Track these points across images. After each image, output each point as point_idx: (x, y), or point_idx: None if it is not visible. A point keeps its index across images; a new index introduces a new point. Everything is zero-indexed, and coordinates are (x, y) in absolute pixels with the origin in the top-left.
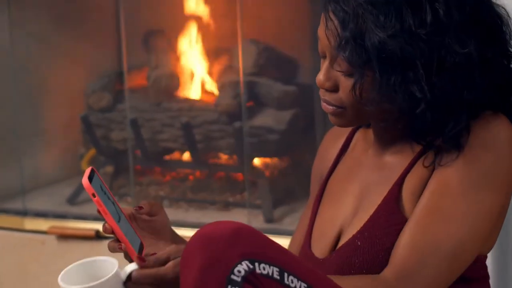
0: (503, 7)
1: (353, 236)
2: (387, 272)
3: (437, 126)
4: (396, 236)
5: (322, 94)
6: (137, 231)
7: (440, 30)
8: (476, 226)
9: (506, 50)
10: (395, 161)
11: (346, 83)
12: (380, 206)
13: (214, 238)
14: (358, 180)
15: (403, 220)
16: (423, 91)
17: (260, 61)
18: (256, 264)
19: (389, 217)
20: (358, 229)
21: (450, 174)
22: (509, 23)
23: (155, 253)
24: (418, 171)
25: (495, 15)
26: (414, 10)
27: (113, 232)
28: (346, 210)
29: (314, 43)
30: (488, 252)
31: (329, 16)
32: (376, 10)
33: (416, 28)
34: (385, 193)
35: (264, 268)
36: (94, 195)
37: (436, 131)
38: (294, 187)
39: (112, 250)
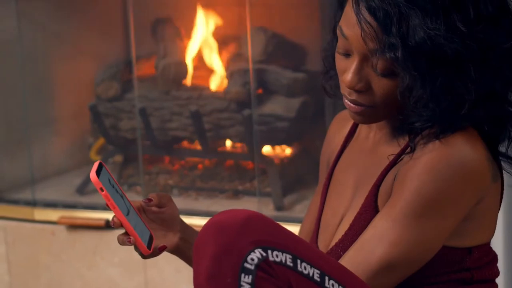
0: None
1: (336, 244)
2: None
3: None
4: None
5: (348, 93)
6: (147, 223)
7: (483, 26)
8: (408, 251)
9: None
10: (386, 154)
11: (381, 83)
12: (359, 214)
13: (226, 227)
14: (353, 170)
15: None
16: (470, 90)
17: (269, 49)
18: (269, 251)
19: (368, 223)
20: (342, 234)
21: (399, 194)
22: None
23: (164, 246)
24: (394, 170)
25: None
26: (457, 8)
27: (122, 226)
28: (345, 202)
29: (322, 30)
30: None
31: (363, 16)
32: (420, 9)
33: (461, 25)
34: (368, 191)
35: (277, 256)
36: (102, 189)
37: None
38: (304, 174)
39: (122, 243)
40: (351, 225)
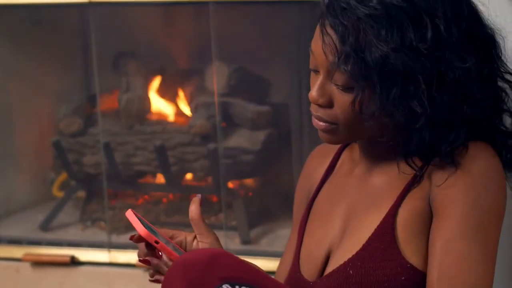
0: (494, 25)
1: (345, 263)
2: None
3: (434, 143)
4: (392, 271)
5: (315, 110)
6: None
7: (441, 46)
8: (493, 262)
9: (498, 67)
10: (382, 183)
11: (342, 98)
12: (374, 235)
13: (194, 264)
14: (344, 201)
15: (399, 257)
16: (424, 106)
17: (233, 82)
18: (237, 286)
19: (385, 251)
20: (350, 256)
21: (453, 210)
22: (500, 39)
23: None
24: (411, 203)
25: (488, 33)
26: (415, 25)
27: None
28: (333, 231)
29: (287, 62)
30: None
31: (326, 30)
32: (377, 24)
33: (417, 43)
34: (376, 219)
35: None
36: (157, 242)
37: (432, 148)
38: (270, 207)
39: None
40: (365, 246)
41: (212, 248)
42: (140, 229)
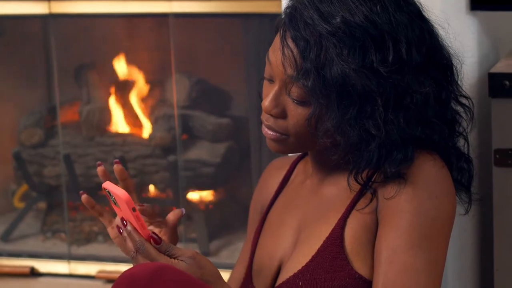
0: (452, 49)
1: (294, 275)
2: None
3: (383, 162)
4: (340, 281)
5: (266, 119)
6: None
7: (401, 69)
8: (437, 271)
9: (454, 90)
10: (333, 194)
11: (296, 111)
12: (323, 247)
13: (138, 279)
14: (296, 211)
15: (348, 267)
16: (379, 127)
17: (193, 94)
18: None
19: (333, 262)
20: (299, 267)
21: (398, 220)
22: (457, 63)
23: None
24: (359, 215)
25: (446, 57)
26: (377, 47)
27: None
28: (285, 243)
29: (247, 75)
30: None
31: (286, 43)
32: (340, 43)
33: (378, 65)
34: (325, 231)
35: None
36: (134, 210)
37: (379, 165)
38: (230, 219)
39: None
40: (314, 257)
41: (157, 262)
42: (121, 192)
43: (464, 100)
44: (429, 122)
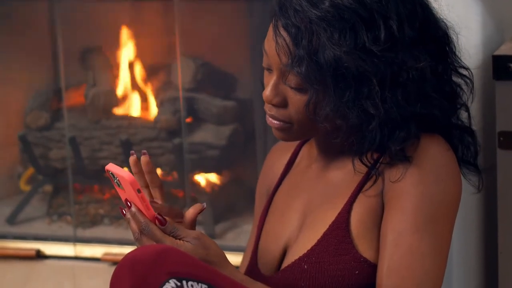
0: (447, 21)
1: (300, 258)
2: None
3: (386, 141)
4: (346, 265)
5: (268, 109)
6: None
7: (394, 46)
8: (443, 255)
9: (453, 64)
10: (339, 178)
11: (295, 98)
12: (329, 231)
13: (141, 260)
14: (302, 195)
15: (353, 251)
16: (377, 107)
17: (198, 77)
18: (184, 282)
19: (339, 245)
20: (305, 251)
21: (404, 202)
22: (454, 35)
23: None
24: (365, 199)
25: (442, 29)
26: (368, 27)
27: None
28: (291, 226)
29: (252, 58)
30: None
31: (279, 32)
32: (330, 27)
33: (370, 45)
34: (331, 215)
35: (192, 286)
36: (139, 191)
37: (385, 146)
38: (235, 202)
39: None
40: (319, 241)
41: (161, 244)
42: (126, 174)
43: (463, 71)
44: (428, 96)
